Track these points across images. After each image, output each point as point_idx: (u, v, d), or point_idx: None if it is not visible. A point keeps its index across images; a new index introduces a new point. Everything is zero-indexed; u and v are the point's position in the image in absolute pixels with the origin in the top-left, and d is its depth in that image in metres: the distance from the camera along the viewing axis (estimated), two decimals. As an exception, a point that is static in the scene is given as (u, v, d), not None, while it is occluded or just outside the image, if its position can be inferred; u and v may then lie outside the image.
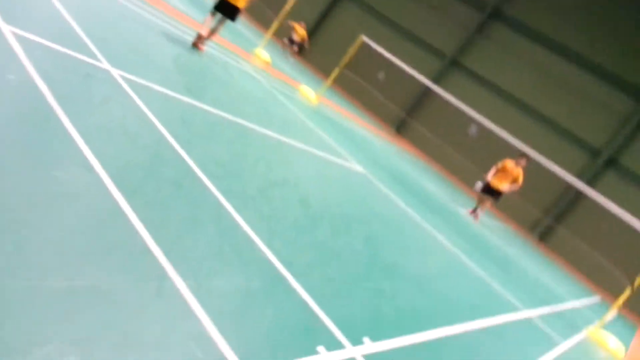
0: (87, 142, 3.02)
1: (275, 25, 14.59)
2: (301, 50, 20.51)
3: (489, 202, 12.61)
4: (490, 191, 12.18)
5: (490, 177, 12.11)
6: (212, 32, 8.25)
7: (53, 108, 3.13)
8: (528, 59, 21.15)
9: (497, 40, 22.06)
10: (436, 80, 22.63)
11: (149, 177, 3.21)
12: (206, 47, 8.33)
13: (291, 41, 20.38)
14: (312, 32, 26.65)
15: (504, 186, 12.07)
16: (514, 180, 11.99)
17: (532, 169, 14.44)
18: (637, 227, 9.16)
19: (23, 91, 3.15)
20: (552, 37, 20.68)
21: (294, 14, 21.35)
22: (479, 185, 12.50)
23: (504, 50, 21.80)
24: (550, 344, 6.19)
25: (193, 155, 4.00)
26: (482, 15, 22.08)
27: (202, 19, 8.25)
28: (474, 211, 12.73)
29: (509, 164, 12.16)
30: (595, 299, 14.09)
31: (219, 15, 8.16)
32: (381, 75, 23.66)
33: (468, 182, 19.98)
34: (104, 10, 6.64)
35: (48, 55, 3.91)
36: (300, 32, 20.17)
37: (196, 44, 8.08)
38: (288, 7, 13.86)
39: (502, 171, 12.14)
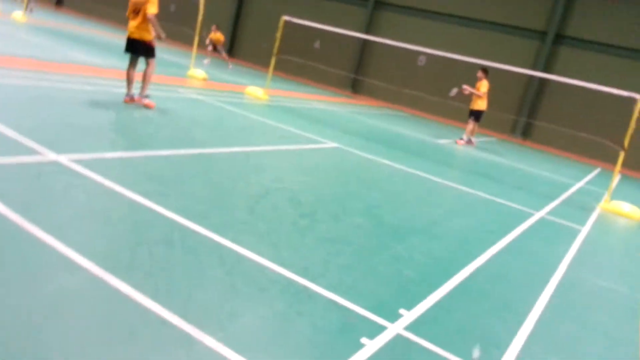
0: (64, 241, 2.96)
1: (196, 40, 14.35)
2: (216, 49, 20.26)
3: (472, 125, 12.93)
4: (470, 114, 12.98)
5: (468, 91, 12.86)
6: (128, 76, 7.58)
7: (17, 223, 3.06)
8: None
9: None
10: (368, 28, 22.55)
11: (137, 248, 3.17)
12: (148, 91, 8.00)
13: (215, 47, 20.12)
14: (233, 31, 26.31)
15: (480, 104, 12.82)
16: (485, 94, 12.76)
17: (492, 76, 14.62)
18: (605, 90, 9.32)
19: (-18, 218, 3.06)
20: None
21: (209, 23, 21.01)
22: (454, 91, 13.20)
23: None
24: (572, 234, 6.32)
25: (171, 206, 3.95)
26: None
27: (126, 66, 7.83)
28: (470, 140, 13.23)
29: (479, 84, 12.85)
30: (595, 171, 14.37)
31: (131, 57, 7.57)
32: (317, 44, 23.49)
33: (438, 114, 20.09)
34: (20, 99, 6.47)
35: (-8, 170, 3.80)
36: (215, 37, 19.96)
37: (132, 100, 7.66)
38: (200, 18, 13.61)
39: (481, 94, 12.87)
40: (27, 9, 19.56)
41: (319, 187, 5.74)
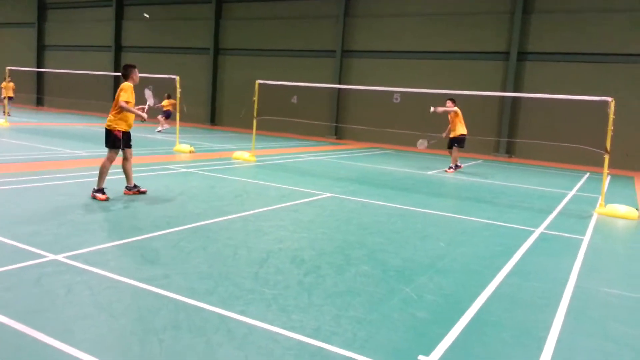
0: (71, 343, 2.94)
1: (178, 116, 14.67)
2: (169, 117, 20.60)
3: (456, 152, 13.22)
4: (451, 142, 13.29)
5: (445, 134, 13.46)
6: (123, 169, 7.46)
7: (21, 331, 3.04)
8: (397, 11, 21.87)
9: (361, 15, 22.76)
10: (341, 76, 23.13)
11: (145, 337, 3.14)
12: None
13: (167, 115, 20.27)
14: (212, 102, 26.88)
15: (460, 129, 13.11)
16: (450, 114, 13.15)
17: (465, 103, 15.02)
18: (575, 98, 9.60)
19: (-12, 333, 3.04)
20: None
21: (189, 98, 21.48)
22: (424, 143, 13.64)
23: (371, 19, 22.48)
24: (575, 245, 6.33)
25: (173, 287, 3.94)
26: (338, 1, 22.74)
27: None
28: (457, 166, 13.58)
29: (453, 114, 13.20)
30: (584, 177, 14.50)
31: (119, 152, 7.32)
32: (294, 99, 23.99)
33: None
34: (9, 204, 6.52)
35: (-8, 282, 3.80)
36: (166, 103, 20.18)
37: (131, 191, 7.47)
38: (178, 95, 13.96)
39: (451, 120, 13.26)
40: (6, 113, 19.93)
41: (319, 241, 5.75)
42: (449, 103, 13.06)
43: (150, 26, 28.96)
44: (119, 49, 30.12)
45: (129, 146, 7.42)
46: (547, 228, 7.21)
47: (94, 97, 29.91)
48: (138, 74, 7.35)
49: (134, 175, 7.73)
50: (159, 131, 19.90)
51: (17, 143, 12.89)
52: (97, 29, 30.78)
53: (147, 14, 26.99)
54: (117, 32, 29.96)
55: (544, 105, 17.97)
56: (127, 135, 7.34)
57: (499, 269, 5.07)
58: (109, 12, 30.17)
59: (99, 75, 26.80)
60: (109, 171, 7.19)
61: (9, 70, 20.46)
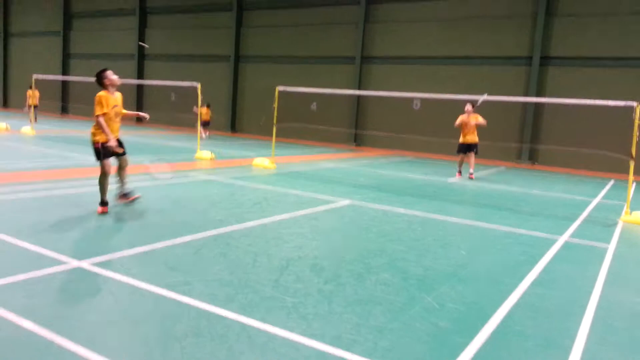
0: (96, 350, 2.98)
1: (199, 123, 14.84)
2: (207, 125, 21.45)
3: (472, 158, 13.00)
4: (467, 148, 13.02)
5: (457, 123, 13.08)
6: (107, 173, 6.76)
7: (47, 338, 3.09)
8: (417, 17, 21.81)
9: (380, 20, 22.75)
10: (360, 83, 23.13)
11: (168, 344, 3.17)
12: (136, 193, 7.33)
13: (204, 124, 20.93)
14: (233, 109, 27.09)
15: (474, 136, 12.87)
16: (477, 122, 12.82)
17: (486, 109, 14.87)
18: (599, 103, 9.43)
19: (10, 344, 3.10)
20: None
21: (208, 102, 21.76)
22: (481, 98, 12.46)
23: (391, 25, 22.45)
24: (599, 253, 6.21)
25: (195, 294, 3.97)
26: (358, 7, 22.78)
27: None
28: (460, 172, 13.44)
29: (463, 117, 12.99)
30: (608, 184, 14.23)
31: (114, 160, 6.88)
32: (314, 106, 24.06)
33: (442, 152, 20.20)
34: (35, 212, 6.65)
35: (16, 290, 3.88)
36: (204, 112, 20.82)
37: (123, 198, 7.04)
38: (199, 102, 14.12)
39: (463, 127, 12.98)
40: (33, 121, 20.41)
41: (339, 249, 5.74)
42: (470, 107, 12.86)
43: (172, 35, 29.39)
44: (142, 57, 30.62)
45: (123, 154, 6.87)
46: (571, 236, 7.08)
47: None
48: (112, 76, 6.71)
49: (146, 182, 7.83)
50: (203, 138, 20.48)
51: (42, 150, 13.17)
52: (121, 37, 31.35)
53: (146, 43, 27.65)
54: (141, 40, 30.45)
55: (567, 111, 17.71)
56: (117, 143, 6.73)
57: (522, 277, 5.00)
58: (133, 20, 30.70)
59: (123, 83, 27.21)
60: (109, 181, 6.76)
61: (35, 78, 20.90)
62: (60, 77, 28.93)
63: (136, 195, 7.13)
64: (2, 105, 38.21)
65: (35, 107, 22.83)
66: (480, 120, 12.82)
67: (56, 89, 33.84)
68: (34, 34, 36.43)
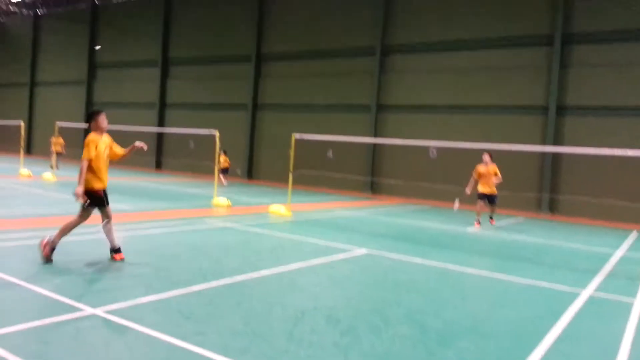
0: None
1: (216, 170, 15.00)
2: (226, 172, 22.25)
3: (492, 207, 13.17)
4: (485, 197, 13.01)
5: (470, 188, 13.09)
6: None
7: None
8: (432, 67, 22.17)
9: (395, 70, 23.18)
10: (376, 131, 23.36)
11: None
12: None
13: (223, 171, 21.70)
14: (250, 156, 27.44)
15: (493, 188, 12.88)
16: (495, 176, 12.86)
17: (504, 158, 14.88)
18: (617, 153, 9.38)
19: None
20: (440, 39, 21.92)
21: (228, 152, 22.13)
22: (457, 204, 13.65)
23: (406, 75, 22.85)
24: (625, 308, 6.00)
25: (209, 345, 3.89)
26: (373, 57, 23.28)
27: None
28: (479, 222, 13.27)
29: (481, 168, 13.04)
30: (631, 235, 13.91)
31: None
32: (330, 154, 24.25)
33: (461, 201, 20.04)
34: (35, 258, 6.68)
35: (29, 337, 3.85)
36: (223, 159, 21.73)
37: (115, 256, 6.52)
38: (217, 149, 14.33)
39: (481, 177, 12.98)
40: (54, 167, 20.91)
41: (355, 299, 5.63)
42: (486, 157, 12.88)
43: (193, 84, 30.23)
44: (163, 106, 31.44)
45: (106, 204, 6.52)
46: (595, 290, 6.87)
47: (138, 152, 30.96)
48: (104, 120, 6.38)
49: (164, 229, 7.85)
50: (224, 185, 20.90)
51: (61, 197, 13.38)
52: (143, 87, 32.32)
53: (169, 91, 28.64)
54: (162, 90, 31.36)
55: (587, 160, 17.56)
56: (102, 194, 6.44)
57: (545, 333, 4.82)
58: (155, 71, 31.71)
59: (144, 131, 27.92)
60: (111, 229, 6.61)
61: (59, 125, 21.52)
62: (82, 125, 29.73)
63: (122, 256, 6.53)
64: (26, 152, 39.24)
65: (59, 153, 23.48)
66: (499, 174, 12.90)
67: (79, 137, 34.72)
68: (61, 83, 37.77)
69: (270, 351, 3.89)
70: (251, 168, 27.64)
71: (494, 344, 4.44)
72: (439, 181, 20.48)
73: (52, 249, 6.21)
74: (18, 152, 21.82)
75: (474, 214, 13.80)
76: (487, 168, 12.86)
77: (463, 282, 6.88)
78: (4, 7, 41.18)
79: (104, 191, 6.48)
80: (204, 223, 10.45)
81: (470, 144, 12.09)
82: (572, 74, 18.95)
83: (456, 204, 13.59)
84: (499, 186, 13.11)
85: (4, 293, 4.86)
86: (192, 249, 7.65)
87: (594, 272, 8.09)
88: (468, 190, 13.15)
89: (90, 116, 6.39)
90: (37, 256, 6.24)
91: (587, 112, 18.66)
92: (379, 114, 23.32)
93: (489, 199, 13.04)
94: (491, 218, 13.27)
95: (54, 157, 22.26)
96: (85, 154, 6.15)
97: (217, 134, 14.31)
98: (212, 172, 20.34)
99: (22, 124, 20.75)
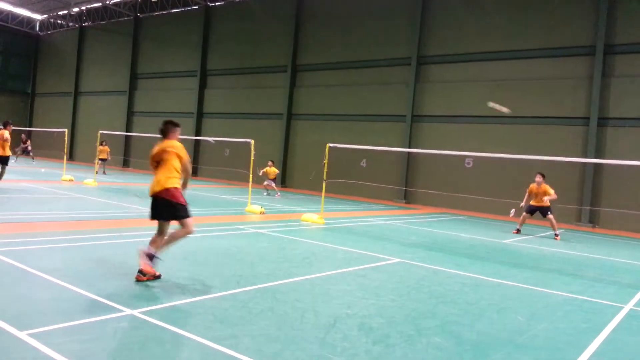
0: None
1: (251, 177, 15.17)
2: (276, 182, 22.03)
3: (552, 220, 13.62)
4: (534, 210, 13.70)
5: (525, 203, 13.86)
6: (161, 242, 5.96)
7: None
8: (469, 77, 21.90)
9: (431, 80, 22.99)
10: (411, 140, 23.20)
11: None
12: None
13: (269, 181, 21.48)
14: (284, 164, 27.65)
15: (544, 202, 13.40)
16: (548, 195, 13.40)
17: (543, 169, 14.61)
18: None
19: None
20: (477, 50, 21.63)
21: (260, 162, 22.32)
22: (512, 212, 13.98)
23: (442, 85, 22.62)
24: (673, 326, 5.74)
25: (242, 348, 3.93)
26: (408, 67, 23.16)
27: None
28: (517, 230, 14.05)
29: (533, 188, 13.65)
30: (680, 249, 13.34)
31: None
32: (363, 163, 24.21)
33: (497, 212, 19.66)
34: (93, 260, 6.86)
35: (70, 335, 3.96)
36: (271, 171, 21.40)
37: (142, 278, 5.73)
38: (252, 157, 14.50)
39: (534, 195, 13.68)
40: (99, 172, 21.61)
41: (388, 308, 5.58)
42: (538, 178, 13.47)
43: (229, 94, 30.77)
44: (200, 115, 32.08)
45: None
46: (636, 305, 6.61)
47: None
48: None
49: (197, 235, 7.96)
50: (278, 195, 20.80)
51: (102, 201, 13.78)
52: (182, 96, 33.09)
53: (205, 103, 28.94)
54: (200, 99, 32.03)
55: (629, 172, 17.00)
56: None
57: (584, 347, 4.67)
58: (194, 81, 32.42)
59: (181, 139, 28.54)
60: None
61: (101, 134, 22.25)
62: (123, 133, 30.71)
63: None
64: (69, 159, 40.65)
65: (103, 160, 24.61)
66: (551, 193, 13.30)
67: (120, 144, 35.77)
68: (104, 93, 39.04)
69: (304, 356, 3.90)
70: (285, 176, 27.84)
71: (531, 357, 4.32)
72: (474, 192, 20.15)
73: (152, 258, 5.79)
74: (62, 158, 22.63)
75: (513, 224, 13.61)
76: (539, 188, 13.45)
77: (500, 294, 6.73)
78: (52, 20, 42.98)
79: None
80: (238, 229, 10.57)
81: (505, 155, 11.92)
82: (613, 84, 18.41)
83: (512, 212, 13.92)
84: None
85: (44, 293, 5.04)
86: (225, 255, 7.75)
87: (636, 287, 7.79)
88: (522, 205, 13.76)
89: (174, 125, 6.29)
90: (75, 257, 6.42)
91: (629, 124, 18.07)
92: (414, 124, 23.16)
93: (541, 211, 13.52)
94: (556, 235, 13.46)
95: (96, 163, 23.03)
96: (186, 155, 6.17)
97: (252, 142, 14.49)
98: (247, 180, 20.59)
99: (66, 131, 21.52)
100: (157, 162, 6.07)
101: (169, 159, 5.97)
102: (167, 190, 5.84)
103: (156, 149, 6.11)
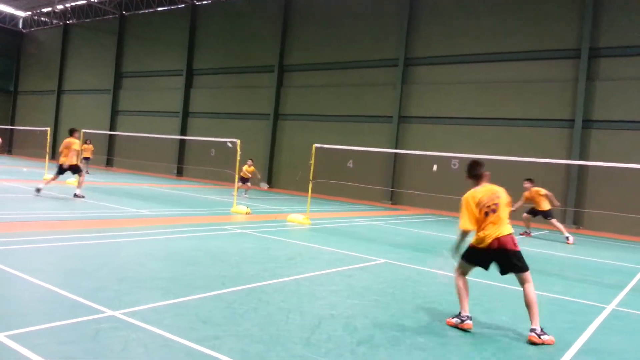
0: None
1: (236, 178, 15.09)
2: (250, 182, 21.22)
3: (556, 224, 13.90)
4: (535, 214, 14.11)
5: (515, 207, 14.06)
6: None
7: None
8: (456, 79, 22.03)
9: (418, 81, 23.09)
10: (397, 141, 23.27)
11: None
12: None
13: (243, 180, 20.52)
14: (270, 165, 27.54)
15: (544, 205, 13.75)
16: (545, 197, 13.73)
17: (528, 171, 14.76)
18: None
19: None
20: (464, 52, 21.78)
21: (246, 159, 22.18)
22: (435, 167, 14.68)
23: (429, 86, 22.74)
24: (653, 326, 5.81)
25: (225, 349, 3.89)
26: (396, 69, 23.25)
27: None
28: (524, 233, 14.53)
29: (526, 194, 14.00)
30: (661, 250, 13.53)
31: None
32: (350, 164, 24.21)
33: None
34: (74, 260, 6.77)
35: (50, 337, 3.89)
36: (249, 170, 20.58)
37: None
38: (239, 158, 14.42)
39: (531, 200, 14.00)
40: (86, 172, 21.27)
41: (373, 308, 5.57)
42: (528, 184, 13.82)
43: (215, 94, 30.60)
44: (186, 114, 31.85)
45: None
46: (619, 305, 6.69)
47: (160, 159, 31.54)
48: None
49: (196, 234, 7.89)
50: (246, 195, 20.30)
51: (85, 202, 13.59)
52: (167, 95, 32.81)
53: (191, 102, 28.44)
54: (185, 99, 31.79)
55: (613, 174, 17.22)
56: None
57: (568, 346, 4.70)
58: (179, 80, 32.18)
59: (167, 138, 28.35)
60: None
61: (84, 133, 21.94)
62: (107, 132, 30.36)
63: None
64: (51, 158, 40.12)
65: (87, 159, 24.16)
66: (542, 193, 13.65)
67: (103, 143, 35.36)
68: (87, 91, 38.58)
69: (288, 357, 3.87)
70: (271, 176, 27.75)
71: (516, 356, 4.34)
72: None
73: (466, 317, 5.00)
74: (44, 157, 22.30)
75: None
76: (531, 193, 13.80)
77: (486, 295, 6.76)
78: (35, 17, 42.38)
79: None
80: (223, 229, 10.50)
81: (490, 156, 11.98)
82: (598, 87, 18.64)
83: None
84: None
85: (24, 294, 4.95)
86: (210, 255, 7.69)
87: (619, 287, 7.89)
88: (514, 208, 13.76)
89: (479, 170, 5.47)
90: (56, 257, 6.31)
91: (613, 126, 18.31)
92: (401, 125, 23.23)
93: (543, 215, 13.85)
94: (567, 238, 13.49)
95: (82, 163, 22.71)
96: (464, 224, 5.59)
97: (238, 142, 14.41)
98: (232, 180, 20.49)
99: (49, 130, 21.19)
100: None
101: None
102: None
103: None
